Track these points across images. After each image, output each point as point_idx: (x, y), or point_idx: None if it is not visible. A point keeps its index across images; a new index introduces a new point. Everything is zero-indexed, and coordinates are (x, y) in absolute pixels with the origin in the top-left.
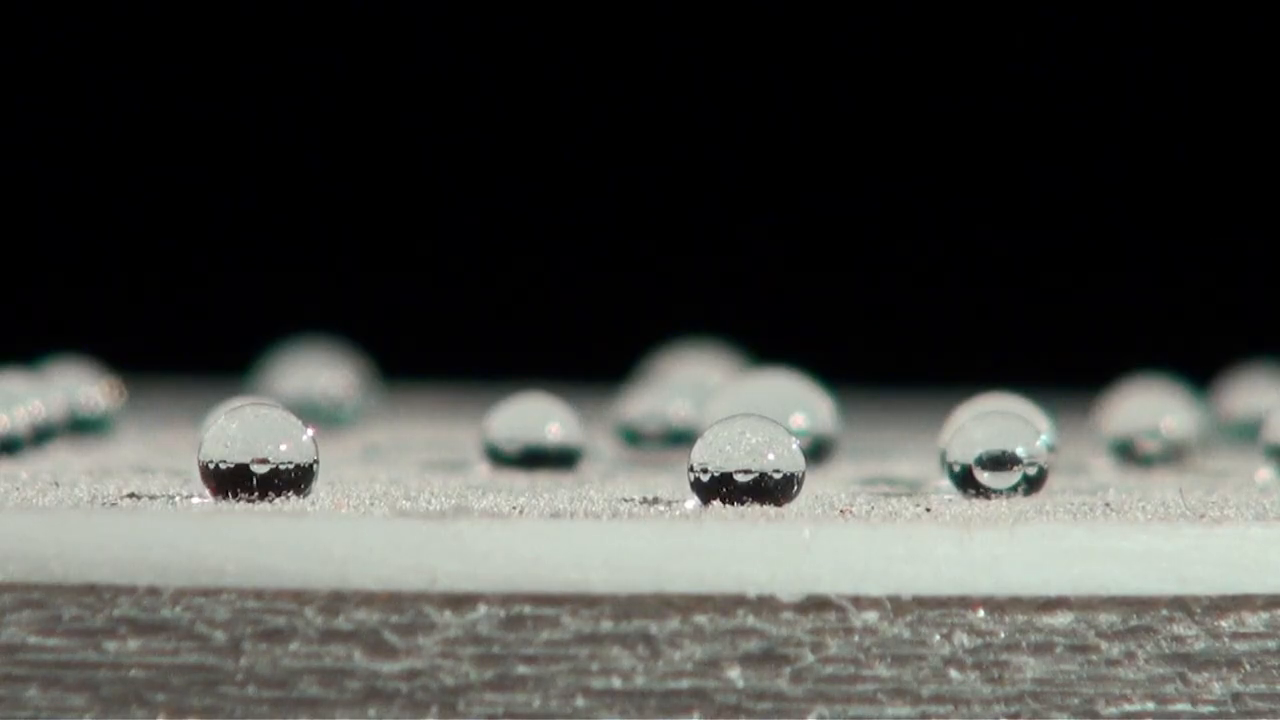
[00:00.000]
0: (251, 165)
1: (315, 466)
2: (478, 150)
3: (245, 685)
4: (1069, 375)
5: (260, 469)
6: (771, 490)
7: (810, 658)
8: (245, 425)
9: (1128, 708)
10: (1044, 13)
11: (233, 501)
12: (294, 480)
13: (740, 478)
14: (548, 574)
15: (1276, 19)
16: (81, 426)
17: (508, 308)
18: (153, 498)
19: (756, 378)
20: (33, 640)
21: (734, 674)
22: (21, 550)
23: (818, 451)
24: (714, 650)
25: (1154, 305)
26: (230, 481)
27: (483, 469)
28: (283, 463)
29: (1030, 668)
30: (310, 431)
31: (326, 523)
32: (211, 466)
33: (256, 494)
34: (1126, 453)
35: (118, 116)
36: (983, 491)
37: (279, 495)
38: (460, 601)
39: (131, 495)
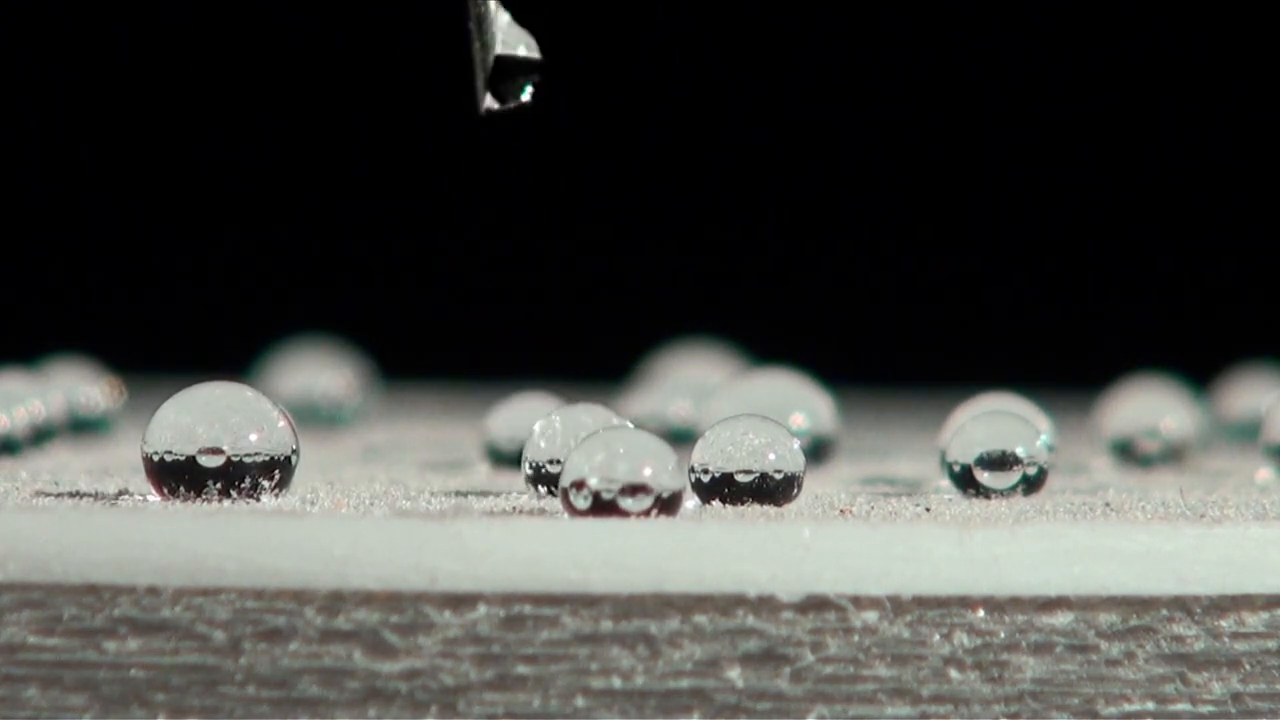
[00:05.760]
0: (252, 165)
1: (294, 458)
2: (478, 151)
3: (245, 685)
4: (1069, 375)
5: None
6: (772, 491)
7: (810, 658)
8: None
9: (1128, 708)
10: (1045, 13)
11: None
12: (261, 470)
13: (741, 478)
14: (548, 574)
15: (1276, 19)
16: (81, 426)
17: (508, 308)
18: (152, 497)
19: (756, 378)
20: (33, 640)
21: (734, 674)
22: (21, 550)
23: (818, 451)
24: (714, 650)
25: (1154, 305)
26: (173, 474)
27: (483, 469)
28: (248, 454)
29: (1030, 668)
30: (282, 421)
31: (326, 523)
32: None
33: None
34: (1126, 453)
35: (118, 116)
36: (983, 491)
37: (243, 486)
38: (460, 601)
39: (131, 495)
